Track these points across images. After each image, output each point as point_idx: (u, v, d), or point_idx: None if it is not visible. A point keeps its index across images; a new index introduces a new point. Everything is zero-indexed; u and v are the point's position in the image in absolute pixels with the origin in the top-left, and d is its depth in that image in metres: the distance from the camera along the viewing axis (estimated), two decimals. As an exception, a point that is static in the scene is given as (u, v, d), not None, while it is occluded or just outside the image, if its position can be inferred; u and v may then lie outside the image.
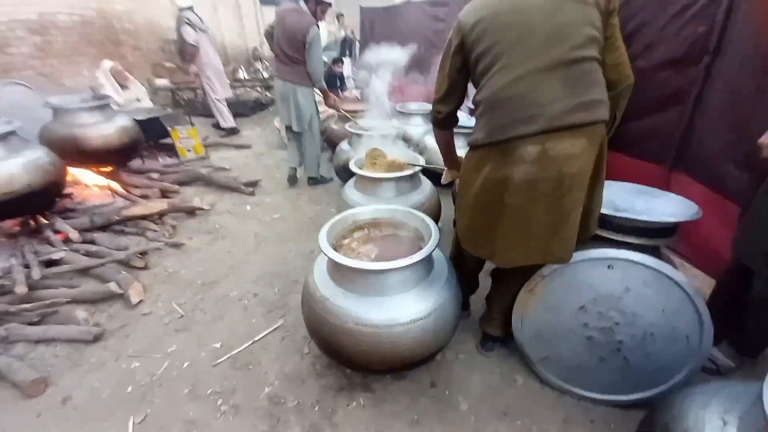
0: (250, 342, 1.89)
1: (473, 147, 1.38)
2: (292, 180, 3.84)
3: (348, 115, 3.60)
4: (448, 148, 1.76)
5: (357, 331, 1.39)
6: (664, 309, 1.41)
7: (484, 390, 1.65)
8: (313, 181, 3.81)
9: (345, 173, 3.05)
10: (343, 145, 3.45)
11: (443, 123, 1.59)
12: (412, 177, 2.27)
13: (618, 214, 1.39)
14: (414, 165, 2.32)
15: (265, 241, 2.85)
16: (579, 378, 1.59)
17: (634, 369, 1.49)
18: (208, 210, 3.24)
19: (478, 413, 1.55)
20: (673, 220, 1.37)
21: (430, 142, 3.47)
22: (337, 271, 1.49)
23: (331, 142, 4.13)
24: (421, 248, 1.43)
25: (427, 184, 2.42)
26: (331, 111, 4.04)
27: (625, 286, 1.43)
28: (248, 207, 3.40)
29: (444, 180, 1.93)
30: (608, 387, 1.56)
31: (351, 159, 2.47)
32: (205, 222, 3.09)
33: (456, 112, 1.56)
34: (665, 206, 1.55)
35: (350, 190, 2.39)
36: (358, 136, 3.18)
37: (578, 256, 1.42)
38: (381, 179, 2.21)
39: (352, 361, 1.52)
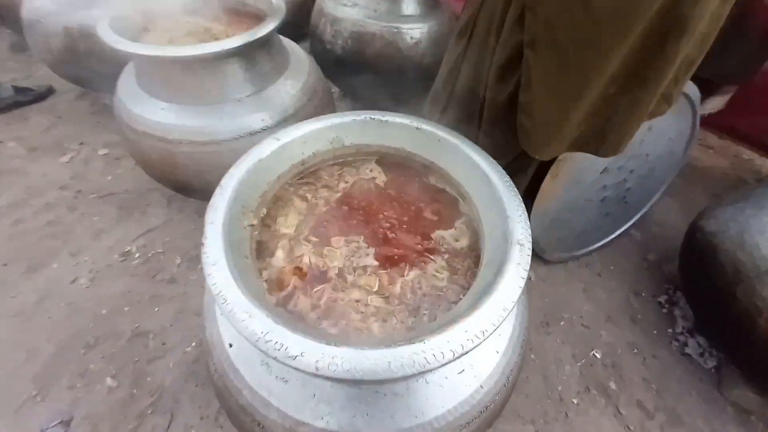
0: None
1: None
2: None
3: None
4: None
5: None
6: (671, 136, 1.23)
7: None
8: None
9: (65, 68, 1.53)
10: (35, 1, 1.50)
11: None
12: (266, 47, 1.09)
13: None
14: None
15: None
16: (582, 240, 1.44)
17: (629, 206, 1.40)
18: None
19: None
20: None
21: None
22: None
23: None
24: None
25: (302, 60, 1.27)
26: None
27: (648, 126, 1.13)
28: None
29: None
30: (605, 232, 1.47)
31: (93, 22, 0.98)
32: None
33: None
34: None
35: (137, 98, 1.05)
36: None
37: None
38: (204, 59, 0.96)
39: None
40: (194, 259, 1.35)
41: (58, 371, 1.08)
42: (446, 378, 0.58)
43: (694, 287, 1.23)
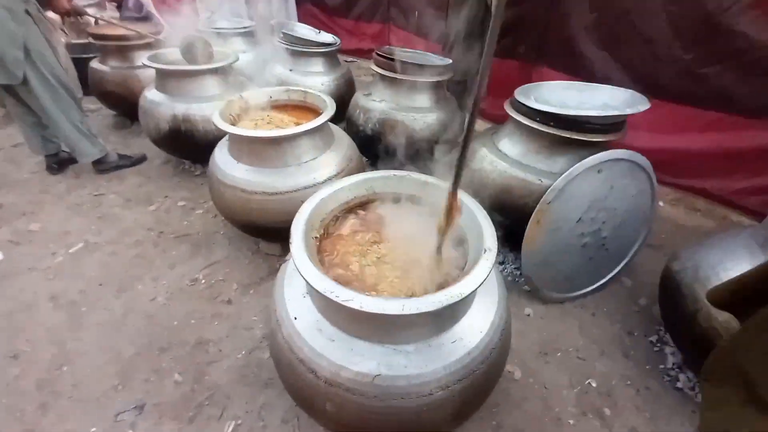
0: None
1: None
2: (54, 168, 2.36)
3: (133, 30, 2.17)
4: None
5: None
6: (633, 194, 1.52)
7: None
8: (103, 165, 2.37)
9: (167, 142, 2.03)
10: (150, 95, 2.11)
11: None
12: (320, 130, 1.55)
13: (595, 113, 1.35)
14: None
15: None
16: (573, 283, 1.66)
17: (610, 253, 1.64)
18: None
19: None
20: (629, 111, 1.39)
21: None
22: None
23: (100, 90, 2.56)
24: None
25: (342, 137, 1.74)
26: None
27: (610, 185, 1.45)
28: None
29: None
30: (594, 276, 1.69)
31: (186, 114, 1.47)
32: None
33: None
34: (605, 98, 1.60)
35: (227, 162, 1.49)
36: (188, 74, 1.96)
37: (574, 171, 1.34)
38: (281, 138, 1.41)
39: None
40: (247, 286, 1.66)
41: (137, 368, 1.34)
42: (443, 344, 0.83)
43: (670, 320, 1.40)
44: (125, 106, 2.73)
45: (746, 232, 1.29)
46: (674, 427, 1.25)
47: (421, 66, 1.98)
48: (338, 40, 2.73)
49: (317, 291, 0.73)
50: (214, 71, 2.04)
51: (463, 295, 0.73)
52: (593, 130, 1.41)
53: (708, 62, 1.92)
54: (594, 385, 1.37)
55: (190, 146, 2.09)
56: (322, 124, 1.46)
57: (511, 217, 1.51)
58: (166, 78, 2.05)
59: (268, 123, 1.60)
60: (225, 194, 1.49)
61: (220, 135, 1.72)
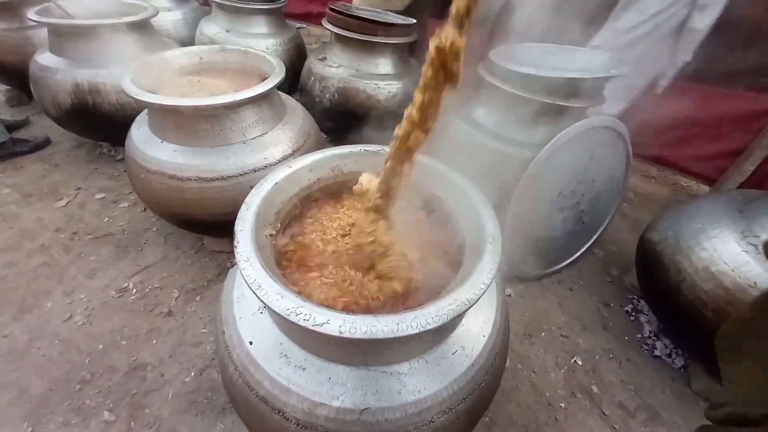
0: None
1: None
2: None
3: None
4: None
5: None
6: (610, 165, 1.46)
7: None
8: None
9: (72, 120, 1.62)
10: (43, 59, 1.65)
11: None
12: (269, 99, 1.28)
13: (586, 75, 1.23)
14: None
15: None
16: (551, 258, 1.60)
17: (586, 226, 1.59)
18: None
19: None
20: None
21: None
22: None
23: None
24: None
25: (296, 108, 1.47)
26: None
27: (590, 156, 1.38)
28: None
29: None
30: (570, 251, 1.65)
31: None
32: None
33: None
34: (583, 61, 1.49)
35: (149, 142, 1.19)
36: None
37: (559, 140, 1.23)
38: (219, 108, 1.13)
39: None
40: (191, 292, 1.39)
41: (52, 408, 1.05)
42: (442, 357, 0.68)
43: (651, 292, 1.39)
44: (20, 77, 2.16)
45: (723, 199, 1.28)
46: (658, 397, 1.26)
47: (385, 25, 1.73)
48: (283, -3, 2.36)
49: (277, 313, 0.53)
50: (127, 27, 1.62)
51: (472, 301, 0.57)
52: (579, 96, 1.29)
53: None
54: (579, 362, 1.34)
55: (102, 124, 1.68)
56: (270, 90, 1.19)
57: (490, 194, 1.39)
58: (62, 37, 1.60)
59: (199, 90, 1.29)
60: (150, 183, 1.19)
61: (140, 109, 1.38)
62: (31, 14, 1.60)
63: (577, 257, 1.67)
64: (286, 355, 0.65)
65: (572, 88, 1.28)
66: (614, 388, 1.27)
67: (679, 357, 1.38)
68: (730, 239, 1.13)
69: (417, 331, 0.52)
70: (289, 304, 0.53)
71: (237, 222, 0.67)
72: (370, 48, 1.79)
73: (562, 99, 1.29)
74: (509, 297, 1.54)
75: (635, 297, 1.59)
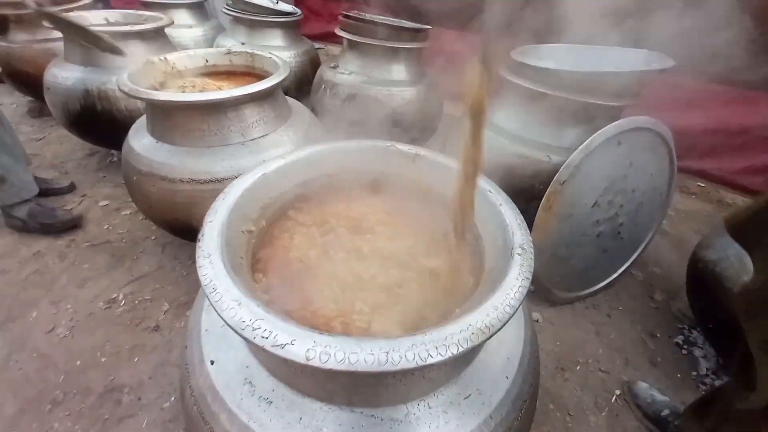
0: None
1: None
2: None
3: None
4: None
5: None
6: (652, 172, 1.29)
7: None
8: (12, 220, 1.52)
9: (81, 126, 1.68)
10: (56, 68, 1.66)
11: None
12: (272, 99, 1.19)
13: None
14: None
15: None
16: (585, 279, 1.41)
17: (625, 243, 1.40)
18: None
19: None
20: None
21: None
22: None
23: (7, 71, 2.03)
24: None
25: (302, 112, 1.39)
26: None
27: (629, 162, 1.21)
28: None
29: None
30: (606, 271, 1.45)
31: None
32: None
33: None
34: (616, 60, 1.35)
35: (145, 143, 1.12)
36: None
37: (592, 142, 1.08)
38: (218, 105, 1.05)
39: None
40: (183, 306, 1.28)
41: (21, 431, 0.94)
42: (451, 403, 0.52)
43: (709, 320, 1.17)
44: (39, 88, 2.23)
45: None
46: (726, 455, 1.02)
47: (397, 29, 1.67)
48: (299, 11, 2.37)
49: (230, 327, 0.40)
50: (138, 35, 1.62)
51: (493, 329, 0.42)
52: (614, 94, 1.15)
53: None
54: (624, 404, 1.12)
55: (111, 131, 1.65)
56: (274, 88, 1.11)
57: (515, 203, 1.24)
58: (75, 44, 1.62)
59: (200, 91, 1.23)
60: (142, 185, 1.11)
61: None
62: (45, 22, 1.62)
63: (614, 279, 1.46)
64: (251, 383, 0.51)
65: (605, 84, 1.14)
66: (670, 439, 1.04)
67: (748, 402, 1.14)
68: (813, 259, 0.92)
69: (413, 365, 0.38)
70: (245, 315, 0.40)
71: (208, 213, 0.55)
72: (383, 54, 1.73)
73: (595, 97, 1.15)
74: (537, 323, 1.34)
75: (686, 327, 1.36)
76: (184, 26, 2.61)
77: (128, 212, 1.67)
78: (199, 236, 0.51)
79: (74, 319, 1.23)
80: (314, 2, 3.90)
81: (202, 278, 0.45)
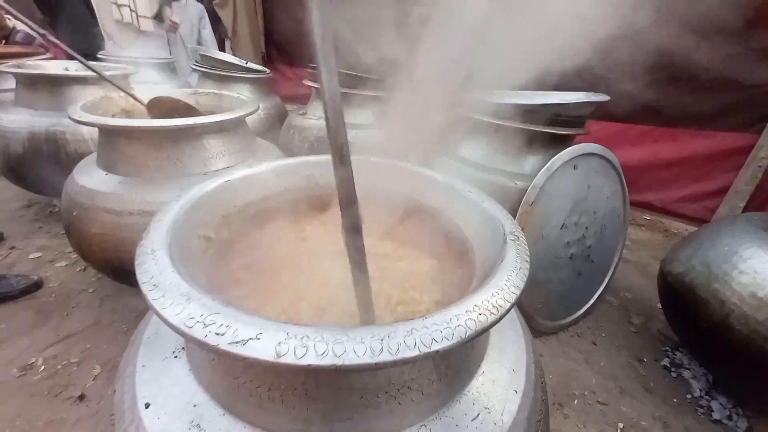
0: None
1: None
2: None
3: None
4: None
5: None
6: (608, 195, 1.37)
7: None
8: None
9: (20, 171, 1.52)
10: (3, 112, 1.55)
11: None
12: (238, 131, 1.17)
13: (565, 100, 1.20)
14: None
15: None
16: (566, 306, 1.39)
17: (596, 265, 1.42)
18: None
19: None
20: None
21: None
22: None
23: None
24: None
25: (270, 149, 1.38)
26: None
27: (587, 184, 1.29)
28: None
29: None
30: (584, 296, 1.44)
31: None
32: None
33: None
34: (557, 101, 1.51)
35: (91, 175, 1.03)
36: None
37: (552, 165, 1.15)
38: (179, 132, 1.00)
39: None
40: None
41: None
42: (457, 426, 0.43)
43: (691, 334, 1.16)
44: None
45: (740, 220, 1.16)
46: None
47: (362, 78, 1.78)
48: (267, 70, 2.49)
49: (175, 327, 0.31)
50: (91, 81, 1.57)
51: (502, 310, 0.37)
52: (565, 124, 1.25)
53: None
54: (628, 438, 1.03)
55: (55, 175, 1.51)
56: (239, 120, 1.10)
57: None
58: (26, 88, 1.54)
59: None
60: (81, 221, 0.98)
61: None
62: (3, 67, 1.55)
63: (592, 305, 1.45)
64: (199, 426, 0.39)
65: (557, 115, 1.24)
66: (682, 472, 0.95)
67: (742, 417, 1.09)
68: (767, 258, 0.98)
69: (416, 353, 0.31)
70: (195, 310, 0.31)
71: (156, 214, 0.47)
72: (349, 100, 1.81)
73: (556, 128, 1.24)
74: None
75: (668, 348, 1.34)
76: (151, 83, 2.63)
77: (63, 263, 1.46)
78: (143, 235, 0.42)
79: (-29, 394, 0.97)
80: (283, 68, 4.17)
81: (140, 276, 0.36)
